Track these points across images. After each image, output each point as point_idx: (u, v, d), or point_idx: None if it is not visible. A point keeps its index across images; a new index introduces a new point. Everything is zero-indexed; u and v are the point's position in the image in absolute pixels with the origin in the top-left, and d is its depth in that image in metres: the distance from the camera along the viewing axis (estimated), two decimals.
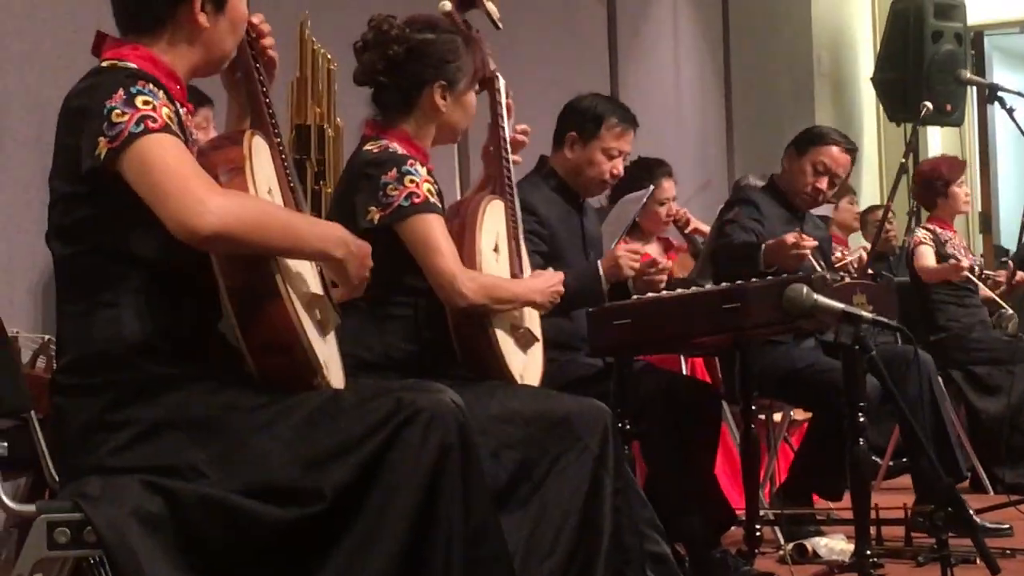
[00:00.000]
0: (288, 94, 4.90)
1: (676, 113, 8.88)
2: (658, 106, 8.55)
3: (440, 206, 3.59)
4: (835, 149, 5.59)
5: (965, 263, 6.99)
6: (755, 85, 9.97)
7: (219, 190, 2.61)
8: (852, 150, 5.67)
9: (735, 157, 9.57)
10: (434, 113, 3.68)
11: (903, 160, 6.91)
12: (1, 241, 4.44)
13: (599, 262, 4.59)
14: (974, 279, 7.13)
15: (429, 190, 3.56)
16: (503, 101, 3.99)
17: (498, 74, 3.99)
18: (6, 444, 3.21)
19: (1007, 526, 5.49)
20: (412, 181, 3.54)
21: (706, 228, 6.53)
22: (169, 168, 2.57)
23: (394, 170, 3.54)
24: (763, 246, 5.20)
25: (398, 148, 3.61)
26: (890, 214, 9.70)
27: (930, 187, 7.29)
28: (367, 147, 3.65)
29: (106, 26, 2.84)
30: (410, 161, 3.57)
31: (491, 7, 4.03)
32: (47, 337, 3.75)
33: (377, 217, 3.53)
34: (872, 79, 10.66)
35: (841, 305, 3.49)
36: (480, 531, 2.71)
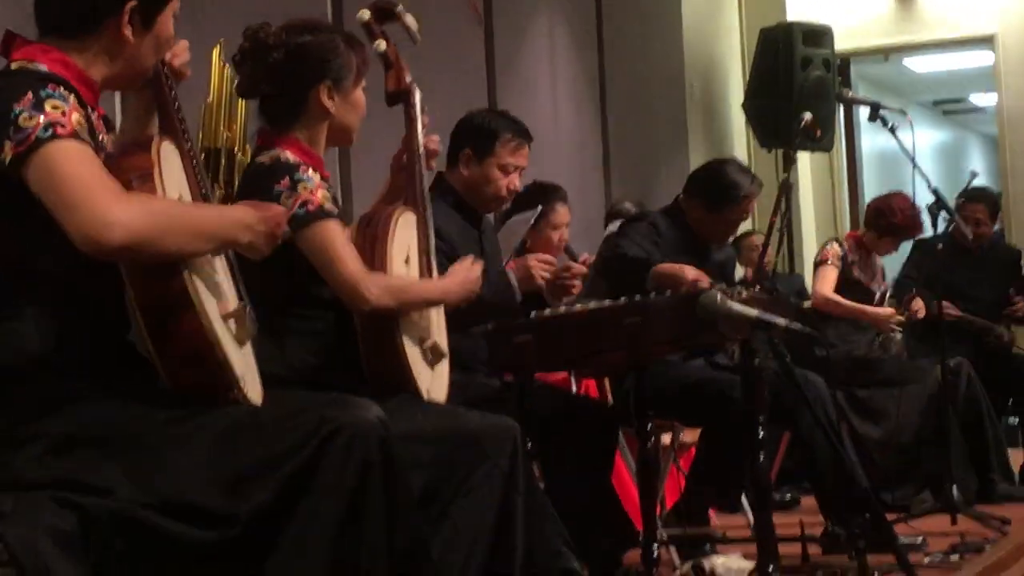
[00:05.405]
0: (200, 117, 4.77)
1: (554, 138, 8.84)
2: (536, 130, 8.43)
3: (336, 212, 3.49)
4: (749, 201, 5.56)
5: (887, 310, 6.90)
6: (631, 112, 9.95)
7: (124, 197, 2.49)
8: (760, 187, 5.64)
9: (612, 183, 9.55)
10: (323, 115, 3.57)
11: (785, 174, 6.72)
12: None
13: (511, 272, 4.51)
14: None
15: (324, 196, 3.46)
16: (419, 114, 3.92)
17: (415, 86, 3.93)
18: None
19: (920, 539, 5.42)
20: (305, 188, 3.44)
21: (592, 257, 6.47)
22: (74, 177, 2.45)
23: (286, 178, 3.44)
24: (653, 268, 5.13)
25: (290, 156, 3.50)
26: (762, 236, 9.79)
27: (891, 222, 7.11)
28: (259, 159, 3.55)
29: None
30: (302, 168, 3.47)
31: (410, 21, 3.95)
32: None
33: None
34: (743, 106, 10.73)
35: (755, 312, 3.47)
36: (408, 549, 2.65)
